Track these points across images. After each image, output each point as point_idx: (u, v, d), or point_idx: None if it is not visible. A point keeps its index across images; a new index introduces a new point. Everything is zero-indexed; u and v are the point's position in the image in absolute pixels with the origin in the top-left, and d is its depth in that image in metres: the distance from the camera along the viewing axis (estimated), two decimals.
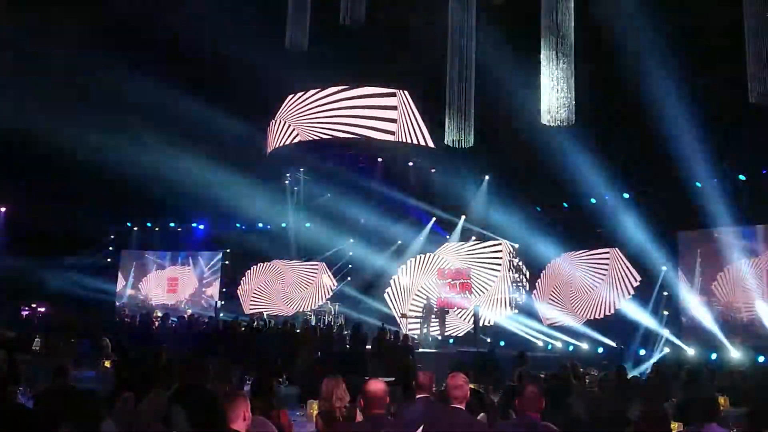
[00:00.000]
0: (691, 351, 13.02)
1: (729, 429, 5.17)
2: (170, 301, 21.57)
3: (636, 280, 14.74)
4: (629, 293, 14.79)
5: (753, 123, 10.60)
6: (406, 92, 15.77)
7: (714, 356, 12.59)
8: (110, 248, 22.17)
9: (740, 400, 7.10)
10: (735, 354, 12.29)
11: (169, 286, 21.91)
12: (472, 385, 6.41)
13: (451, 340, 16.59)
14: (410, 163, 17.49)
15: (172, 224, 22.12)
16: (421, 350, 14.16)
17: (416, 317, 17.03)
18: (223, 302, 20.56)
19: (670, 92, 11.41)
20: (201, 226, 21.95)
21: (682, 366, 11.79)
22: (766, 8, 5.52)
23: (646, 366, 11.64)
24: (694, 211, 13.14)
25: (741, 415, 6.58)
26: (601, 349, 14.04)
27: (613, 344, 13.93)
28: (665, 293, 13.98)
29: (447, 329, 17.07)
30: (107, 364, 8.74)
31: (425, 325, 16.59)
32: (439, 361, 11.62)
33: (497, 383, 9.10)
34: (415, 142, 15.83)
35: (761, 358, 11.91)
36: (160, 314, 17.22)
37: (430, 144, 15.73)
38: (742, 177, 12.69)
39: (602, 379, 7.56)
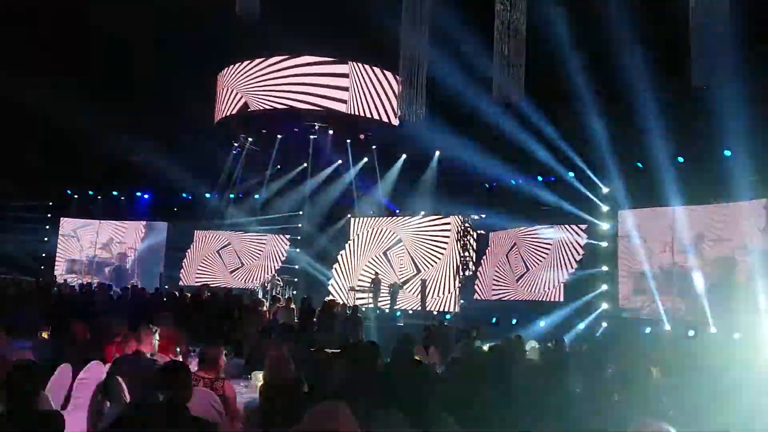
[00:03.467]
0: (627, 324, 13.57)
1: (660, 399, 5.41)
2: (112, 270, 20.97)
3: (579, 256, 15.17)
4: (572, 268, 15.22)
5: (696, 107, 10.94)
6: (360, 64, 15.62)
7: (648, 330, 13.15)
8: (48, 215, 21.33)
9: (671, 371, 7.44)
10: (668, 327, 12.87)
11: (111, 255, 21.28)
12: (417, 357, 6.52)
13: (398, 313, 16.75)
14: (362, 136, 17.39)
15: (114, 192, 21.41)
16: (368, 323, 14.24)
17: (365, 290, 17.10)
18: (167, 273, 20.11)
19: (620, 71, 11.65)
20: (146, 196, 21.33)
21: (618, 338, 12.29)
22: None
23: (585, 338, 12.08)
24: (636, 190, 13.61)
25: (671, 385, 6.93)
26: (543, 323, 14.44)
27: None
28: (605, 269, 14.47)
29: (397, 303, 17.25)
30: (45, 334, 8.45)
31: (374, 298, 16.68)
32: (387, 333, 11.73)
33: (443, 356, 9.25)
34: (368, 114, 15.76)
35: (691, 332, 12.50)
36: (101, 284, 16.72)
37: (384, 118, 15.67)
38: (680, 159, 13.13)
39: (543, 351, 7.79)
